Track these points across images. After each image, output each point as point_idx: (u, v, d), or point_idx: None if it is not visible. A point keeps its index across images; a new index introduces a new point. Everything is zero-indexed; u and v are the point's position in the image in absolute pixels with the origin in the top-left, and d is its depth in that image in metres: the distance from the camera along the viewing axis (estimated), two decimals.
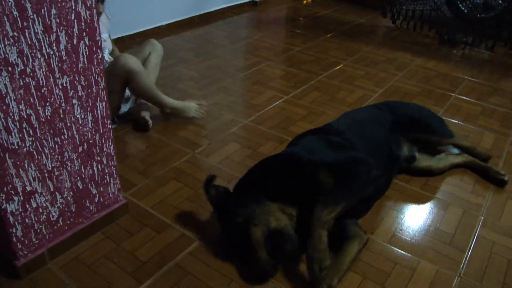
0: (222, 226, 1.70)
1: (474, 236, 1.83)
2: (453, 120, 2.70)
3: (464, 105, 2.93)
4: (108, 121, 1.68)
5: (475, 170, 2.24)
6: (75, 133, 1.57)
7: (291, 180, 1.67)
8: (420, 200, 2.03)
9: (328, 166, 1.67)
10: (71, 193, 1.64)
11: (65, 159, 1.57)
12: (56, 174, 1.56)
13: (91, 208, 1.74)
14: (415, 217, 1.92)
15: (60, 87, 1.47)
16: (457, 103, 2.95)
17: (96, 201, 1.74)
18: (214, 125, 2.54)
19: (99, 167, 1.70)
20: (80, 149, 1.61)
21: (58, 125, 1.50)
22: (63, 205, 1.63)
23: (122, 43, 3.54)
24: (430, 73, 3.42)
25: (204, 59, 3.44)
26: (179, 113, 2.53)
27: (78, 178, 1.64)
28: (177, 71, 3.19)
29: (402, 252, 1.73)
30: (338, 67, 3.43)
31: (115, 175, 1.78)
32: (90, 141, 1.64)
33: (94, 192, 1.72)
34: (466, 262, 1.70)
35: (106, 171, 1.74)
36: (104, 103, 1.63)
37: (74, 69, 1.49)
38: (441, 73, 3.42)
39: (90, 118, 1.61)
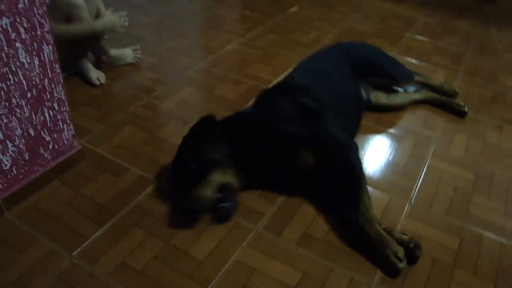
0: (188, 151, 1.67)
1: (425, 166, 1.93)
2: (407, 58, 2.75)
3: (417, 44, 2.98)
4: (57, 65, 1.62)
5: (435, 104, 2.32)
6: (21, 78, 1.51)
7: (263, 150, 1.64)
8: (374, 134, 2.09)
9: (309, 145, 1.64)
10: (23, 140, 1.59)
11: (13, 106, 1.51)
12: (4, 121, 1.51)
13: (45, 156, 1.70)
14: (369, 150, 1.99)
15: (0, 29, 1.39)
16: (410, 42, 3.00)
17: (50, 148, 1.71)
18: (169, 70, 2.49)
19: (51, 113, 1.66)
20: (29, 95, 1.55)
21: (1, 70, 1.44)
22: (16, 154, 1.59)
23: None
24: (386, 13, 3.43)
25: (159, 5, 3.32)
26: (115, 60, 2.50)
27: (29, 125, 1.59)
28: (131, 18, 3.05)
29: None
30: (293, 10, 3.39)
31: (68, 121, 1.74)
32: (39, 86, 1.58)
33: (47, 139, 1.68)
34: (416, 190, 1.80)
35: (59, 117, 1.69)
36: (50, 46, 1.56)
37: (14, 10, 1.41)
38: (396, 13, 3.45)
39: (36, 62, 1.54)
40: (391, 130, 2.13)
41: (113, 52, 2.47)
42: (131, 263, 1.45)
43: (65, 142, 1.76)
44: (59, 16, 2.16)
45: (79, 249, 1.48)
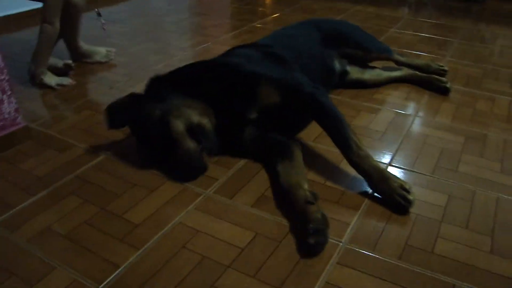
0: (136, 128, 1.51)
1: (405, 132, 1.72)
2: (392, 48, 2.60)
3: (401, 36, 2.85)
4: None
5: (417, 83, 2.13)
6: None
7: (223, 86, 1.50)
8: (350, 108, 1.91)
9: (273, 82, 1.50)
10: None
11: None
12: None
13: None
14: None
15: None
16: (395, 35, 2.87)
17: None
18: (136, 66, 2.38)
19: None
20: None
21: None
22: None
23: None
24: (369, 15, 3.34)
25: (136, 18, 3.28)
26: (86, 56, 2.40)
27: None
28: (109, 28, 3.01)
29: (327, 147, 1.60)
30: (275, 15, 3.32)
31: (8, 92, 1.59)
32: None
33: None
34: (396, 153, 1.59)
35: None
36: None
37: None
38: (380, 14, 3.35)
39: None
40: (369, 104, 1.95)
41: (86, 47, 2.38)
42: (57, 228, 1.25)
43: (6, 116, 1.61)
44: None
45: (1, 217, 1.29)
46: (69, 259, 1.14)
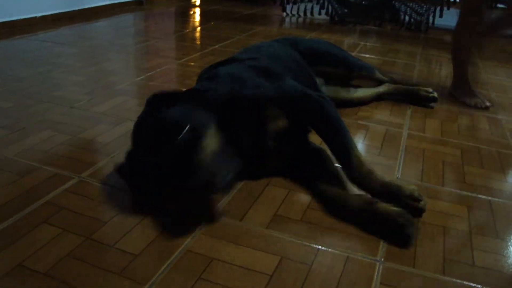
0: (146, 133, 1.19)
1: (402, 146, 1.66)
2: None
3: (365, 59, 2.86)
4: None
5: (402, 95, 2.11)
6: None
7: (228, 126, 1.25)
8: None
9: (276, 102, 1.32)
10: None
11: None
12: None
13: None
14: None
15: None
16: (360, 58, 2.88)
17: None
18: (97, 85, 2.14)
19: None
20: None
21: None
22: None
23: None
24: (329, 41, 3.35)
25: (85, 40, 3.04)
26: None
27: None
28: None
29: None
30: (231, 40, 3.23)
31: None
32: None
33: None
34: (400, 167, 1.50)
35: None
36: None
37: None
38: (337, 40, 3.38)
39: None
40: (356, 121, 1.87)
41: None
42: (32, 265, 0.99)
43: None
44: None
45: None
46: None
